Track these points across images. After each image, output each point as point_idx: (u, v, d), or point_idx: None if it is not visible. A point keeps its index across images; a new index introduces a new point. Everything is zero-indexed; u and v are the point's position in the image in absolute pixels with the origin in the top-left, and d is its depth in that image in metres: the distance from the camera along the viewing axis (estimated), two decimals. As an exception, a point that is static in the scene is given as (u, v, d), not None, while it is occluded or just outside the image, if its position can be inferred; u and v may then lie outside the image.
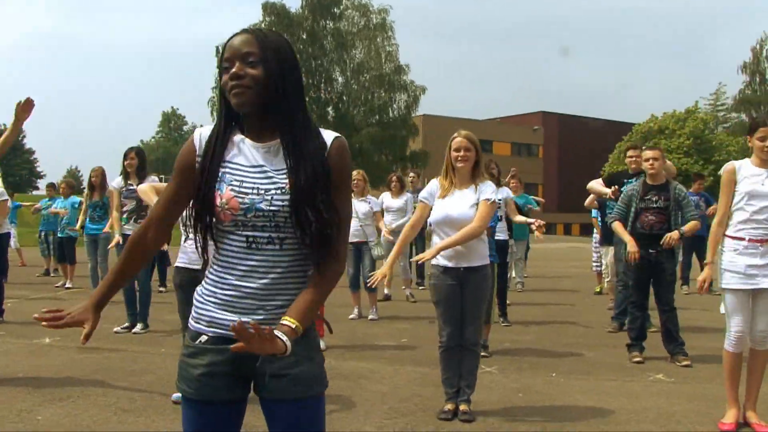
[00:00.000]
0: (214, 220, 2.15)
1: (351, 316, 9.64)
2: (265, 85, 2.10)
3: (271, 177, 2.13)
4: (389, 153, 45.24)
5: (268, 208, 2.11)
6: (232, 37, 2.17)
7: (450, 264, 5.16)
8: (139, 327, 8.40)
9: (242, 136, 2.20)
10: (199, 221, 2.17)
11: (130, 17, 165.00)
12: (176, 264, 5.46)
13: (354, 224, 8.69)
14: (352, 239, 8.97)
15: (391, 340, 8.33)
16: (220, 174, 2.16)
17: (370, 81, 45.56)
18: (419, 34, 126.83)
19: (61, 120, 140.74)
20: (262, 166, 2.16)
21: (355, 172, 10.03)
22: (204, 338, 2.16)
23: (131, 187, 8.38)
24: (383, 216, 10.49)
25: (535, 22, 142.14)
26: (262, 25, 44.28)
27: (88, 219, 11.16)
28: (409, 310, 10.89)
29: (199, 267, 5.38)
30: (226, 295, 2.15)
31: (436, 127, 53.32)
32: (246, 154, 2.18)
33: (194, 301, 2.23)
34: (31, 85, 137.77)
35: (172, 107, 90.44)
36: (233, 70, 2.10)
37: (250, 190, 2.13)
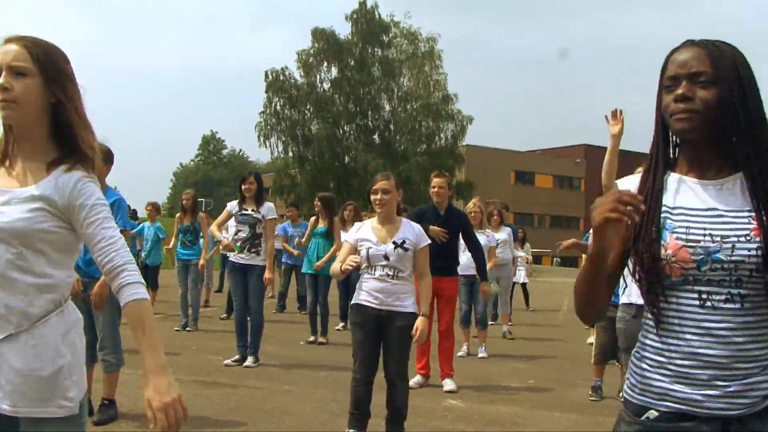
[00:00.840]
0: (660, 275, 1.79)
1: (460, 354, 9.18)
2: (720, 110, 1.76)
3: (728, 221, 1.77)
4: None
5: (728, 258, 1.74)
6: (676, 51, 1.86)
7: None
8: (250, 360, 7.96)
9: (677, 175, 1.88)
10: (644, 277, 1.80)
11: (169, 41, 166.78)
12: (356, 302, 5.05)
13: (464, 259, 8.27)
14: (466, 272, 8.54)
15: (516, 380, 7.87)
16: (660, 219, 1.81)
17: (417, 109, 45.29)
18: (465, 63, 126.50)
19: (104, 135, 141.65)
20: (714, 208, 1.80)
21: (471, 203, 9.63)
22: (653, 413, 1.80)
23: (246, 213, 7.99)
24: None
25: (581, 53, 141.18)
26: (311, 51, 44.37)
27: (179, 244, 10.84)
28: (511, 347, 10.41)
29: (377, 305, 5.01)
30: (677, 364, 1.78)
31: (478, 157, 53.04)
32: (690, 193, 1.84)
33: (633, 367, 1.89)
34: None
35: (212, 131, 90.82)
36: (679, 91, 1.80)
37: (701, 238, 1.77)
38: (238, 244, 7.95)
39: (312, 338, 9.86)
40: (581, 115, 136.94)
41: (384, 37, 45.62)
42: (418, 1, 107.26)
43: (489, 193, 50.04)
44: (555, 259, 54.53)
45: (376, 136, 45.93)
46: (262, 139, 44.18)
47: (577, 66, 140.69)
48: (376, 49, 45.51)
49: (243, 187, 8.07)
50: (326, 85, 45.21)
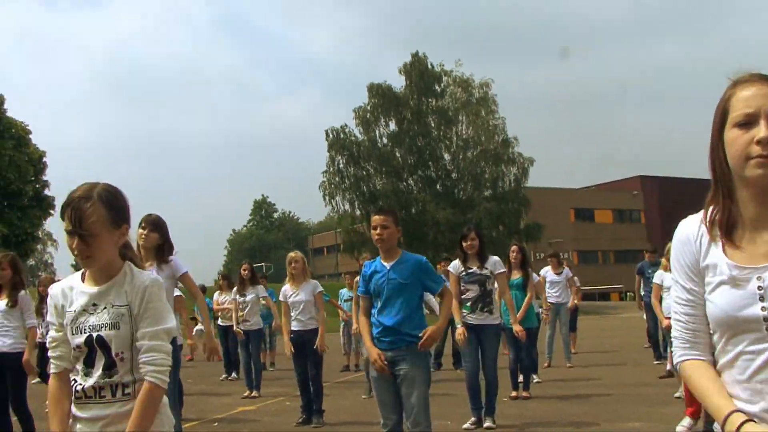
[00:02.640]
0: None
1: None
2: None
3: None
4: (504, 227, 44.42)
5: None
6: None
7: None
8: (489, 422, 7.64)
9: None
10: None
11: (210, 104, 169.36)
12: None
13: None
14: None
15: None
16: None
17: (477, 156, 45.25)
18: (517, 105, 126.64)
19: (153, 209, 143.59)
20: None
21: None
22: None
23: (471, 271, 7.73)
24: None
25: (622, 84, 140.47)
26: (368, 106, 44.68)
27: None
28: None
29: None
30: None
31: (536, 198, 52.72)
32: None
33: None
34: (122, 178, 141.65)
35: (263, 195, 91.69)
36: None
37: None
38: (468, 304, 7.67)
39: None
40: (634, 146, 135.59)
41: (437, 87, 45.89)
42: (467, 49, 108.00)
43: (553, 233, 49.73)
44: (629, 294, 53.65)
45: (438, 186, 45.87)
46: (327, 198, 44.40)
47: (627, 100, 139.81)
48: (430, 100, 45.73)
49: (464, 244, 7.81)
50: (385, 140, 45.40)
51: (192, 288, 6.32)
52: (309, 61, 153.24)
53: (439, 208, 41.79)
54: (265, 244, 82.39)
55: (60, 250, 67.45)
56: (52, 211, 34.31)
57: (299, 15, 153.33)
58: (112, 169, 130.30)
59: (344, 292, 13.21)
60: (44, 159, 33.80)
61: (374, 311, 5.08)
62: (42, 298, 9.92)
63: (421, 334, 4.89)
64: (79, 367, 2.52)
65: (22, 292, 6.66)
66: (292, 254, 8.60)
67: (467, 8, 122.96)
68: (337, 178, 44.26)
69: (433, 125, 45.64)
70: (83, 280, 2.58)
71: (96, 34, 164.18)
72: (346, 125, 44.47)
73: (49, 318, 2.64)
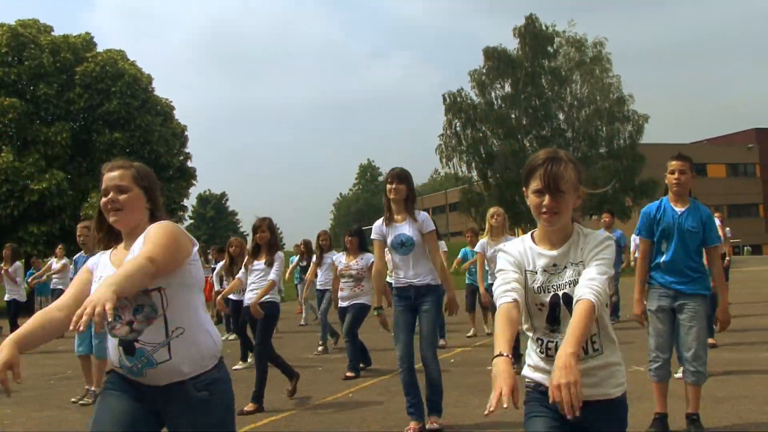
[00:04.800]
0: None
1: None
2: None
3: None
4: (619, 185, 44.77)
5: None
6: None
7: None
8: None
9: None
10: None
11: (322, 74, 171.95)
12: None
13: None
14: None
15: None
16: None
17: (590, 114, 45.57)
18: (632, 60, 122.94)
19: (259, 179, 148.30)
20: None
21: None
22: None
23: None
24: None
25: (736, 34, 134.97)
26: (484, 69, 45.53)
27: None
28: None
29: None
30: None
31: (648, 154, 52.50)
32: None
33: None
34: (230, 145, 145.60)
35: (368, 159, 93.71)
36: None
37: None
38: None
39: None
40: (748, 99, 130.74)
41: (550, 48, 46.28)
42: (579, 8, 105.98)
43: (665, 189, 49.42)
44: (746, 248, 53.33)
45: (553, 145, 46.37)
46: (443, 160, 45.71)
47: (739, 49, 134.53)
48: (543, 60, 46.17)
49: None
50: (500, 102, 46.19)
51: (433, 245, 6.27)
52: (401, 24, 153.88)
53: (556, 167, 42.40)
54: (372, 207, 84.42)
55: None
56: (194, 182, 36.81)
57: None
58: (224, 136, 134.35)
59: (467, 251, 13.12)
60: (185, 133, 36.24)
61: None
62: (232, 259, 10.50)
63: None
64: (541, 324, 2.73)
65: (279, 253, 7.81)
66: (493, 209, 9.42)
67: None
68: (453, 141, 45.45)
69: (546, 86, 46.16)
70: (535, 242, 2.78)
71: (198, 10, 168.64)
72: (462, 89, 45.57)
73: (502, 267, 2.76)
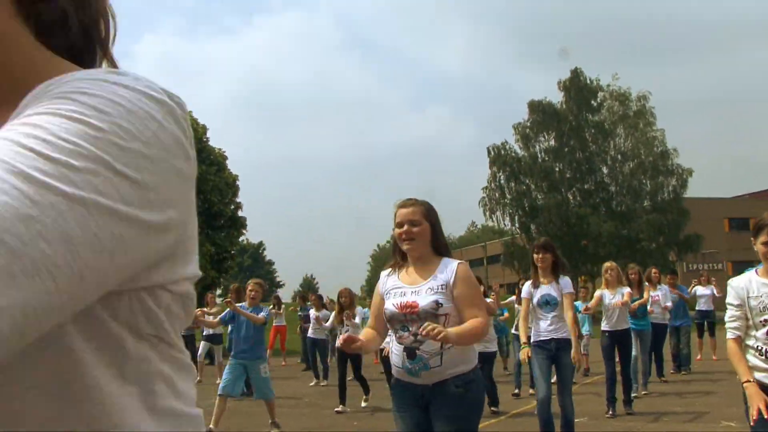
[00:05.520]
0: None
1: None
2: None
3: None
4: (663, 239, 44.64)
5: None
6: None
7: None
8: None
9: None
10: None
11: (342, 124, 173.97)
12: None
13: None
14: None
15: None
16: None
17: (634, 168, 45.67)
18: (676, 112, 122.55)
19: (294, 229, 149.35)
20: None
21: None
22: None
23: None
24: None
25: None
26: (528, 123, 45.91)
27: None
28: None
29: None
30: None
31: (690, 207, 52.26)
32: None
33: None
34: (265, 196, 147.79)
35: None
36: None
37: None
38: None
39: None
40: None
41: (593, 102, 46.61)
42: (623, 62, 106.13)
43: (706, 244, 49.38)
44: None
45: (596, 199, 46.54)
46: (487, 213, 45.95)
47: None
48: (587, 114, 46.45)
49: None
50: (544, 155, 46.48)
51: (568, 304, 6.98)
52: (437, 78, 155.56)
53: (601, 221, 42.49)
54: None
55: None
56: (244, 231, 37.31)
57: (427, 34, 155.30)
58: (260, 189, 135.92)
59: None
60: (237, 182, 36.83)
61: None
62: (341, 308, 11.01)
63: None
64: (762, 335, 3.70)
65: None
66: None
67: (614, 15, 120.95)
68: (497, 194, 45.71)
69: (590, 139, 46.39)
70: (758, 275, 3.83)
71: (232, 61, 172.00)
72: (506, 141, 45.99)
73: (729, 301, 3.88)
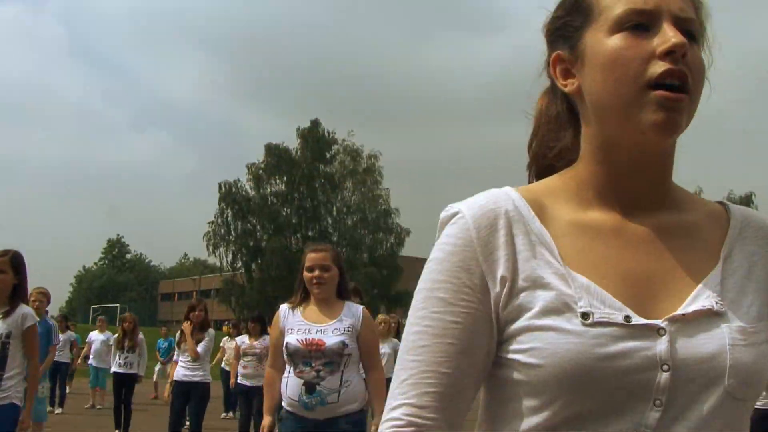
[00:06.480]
0: None
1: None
2: None
3: None
4: (377, 292, 46.51)
5: None
6: None
7: None
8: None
9: None
10: None
11: (61, 133, 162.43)
12: None
13: None
14: None
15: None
16: None
17: (357, 222, 47.48)
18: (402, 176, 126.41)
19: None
20: None
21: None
22: None
23: None
24: None
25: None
26: (263, 165, 46.07)
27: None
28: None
29: None
30: None
31: (407, 266, 55.09)
32: None
33: None
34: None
35: (118, 235, 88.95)
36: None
37: None
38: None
39: None
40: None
41: (327, 154, 47.92)
42: (361, 120, 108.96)
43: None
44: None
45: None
46: (211, 247, 45.15)
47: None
48: (319, 164, 47.59)
49: None
50: (273, 198, 46.84)
51: None
52: (162, 103, 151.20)
53: (321, 268, 43.31)
54: (116, 284, 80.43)
55: None
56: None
57: (159, 56, 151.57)
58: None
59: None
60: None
61: None
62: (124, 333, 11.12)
63: None
64: None
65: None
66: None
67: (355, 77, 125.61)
68: (222, 230, 45.16)
69: (319, 189, 47.49)
70: None
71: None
72: (239, 180, 45.71)
73: None
